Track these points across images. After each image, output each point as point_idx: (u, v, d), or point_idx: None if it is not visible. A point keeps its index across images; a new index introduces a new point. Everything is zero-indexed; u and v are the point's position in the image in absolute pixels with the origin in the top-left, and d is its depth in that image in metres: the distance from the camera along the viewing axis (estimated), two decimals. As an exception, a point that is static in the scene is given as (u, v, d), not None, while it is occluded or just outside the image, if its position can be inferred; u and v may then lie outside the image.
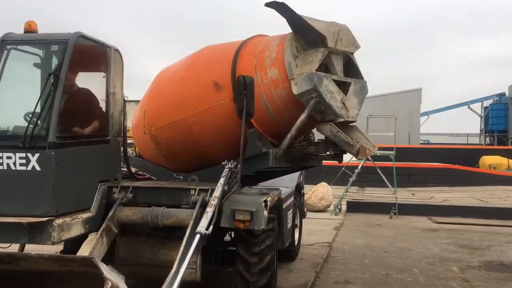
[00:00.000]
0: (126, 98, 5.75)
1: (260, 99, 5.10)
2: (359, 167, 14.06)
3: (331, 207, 14.04)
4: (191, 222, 4.74)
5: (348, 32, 5.51)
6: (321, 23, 5.20)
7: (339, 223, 12.18)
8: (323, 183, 15.04)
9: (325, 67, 5.23)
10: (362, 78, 5.58)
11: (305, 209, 9.14)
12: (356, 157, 5.51)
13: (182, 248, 4.44)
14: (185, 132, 5.84)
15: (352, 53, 5.50)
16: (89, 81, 5.54)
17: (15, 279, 3.35)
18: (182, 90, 5.71)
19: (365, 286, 6.46)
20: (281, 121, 5.29)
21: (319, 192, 14.50)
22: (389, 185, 14.22)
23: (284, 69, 5.04)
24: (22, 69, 5.00)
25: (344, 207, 14.31)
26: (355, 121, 5.44)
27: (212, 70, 5.53)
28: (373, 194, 17.30)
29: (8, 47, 4.88)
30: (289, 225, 6.76)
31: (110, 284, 2.99)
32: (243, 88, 4.68)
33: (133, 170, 6.29)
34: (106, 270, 3.09)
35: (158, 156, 6.53)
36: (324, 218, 12.86)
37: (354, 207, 14.29)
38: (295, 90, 4.95)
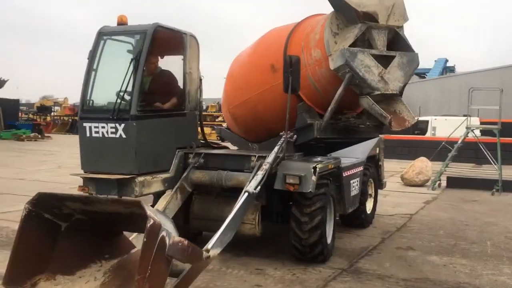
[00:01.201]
0: (201, 77, 6.62)
1: (308, 78, 5.63)
2: (459, 142, 13.64)
3: (429, 182, 13.88)
4: (247, 184, 5.50)
5: (401, 5, 5.75)
6: None
7: (432, 197, 12.11)
8: (422, 158, 14.86)
9: (368, 42, 5.55)
10: (412, 51, 5.78)
11: (384, 180, 9.37)
12: (390, 128, 5.78)
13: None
14: (253, 110, 6.68)
15: (399, 27, 5.72)
16: (171, 63, 6.52)
17: (98, 219, 4.41)
18: (248, 73, 6.53)
19: (425, 253, 6.69)
20: (328, 96, 5.77)
21: (417, 167, 14.39)
22: (492, 161, 13.60)
23: (324, 49, 5.50)
24: (115, 55, 6.09)
25: (444, 183, 14.05)
26: (396, 94, 5.70)
27: (270, 54, 6.21)
28: (477, 171, 16.57)
29: (105, 37, 6.01)
30: (353, 193, 7.20)
31: (152, 221, 3.86)
32: (289, 66, 5.27)
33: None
34: (151, 211, 3.96)
35: (237, 129, 7.53)
36: (418, 192, 12.83)
37: (455, 182, 13.94)
38: (331, 66, 5.40)
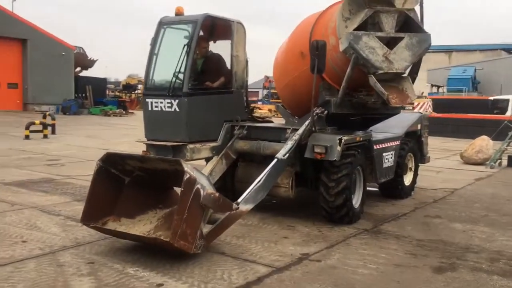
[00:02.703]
0: (247, 60, 7.52)
1: (328, 62, 6.34)
2: (520, 121, 13.48)
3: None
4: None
5: None
6: None
7: (487, 175, 12.24)
8: (483, 137, 14.81)
9: (378, 25, 6.16)
10: (424, 32, 6.29)
11: (428, 155, 9.77)
12: (389, 104, 6.35)
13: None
14: (292, 91, 7.66)
15: (409, 10, 6.24)
16: (222, 47, 7.49)
17: (153, 176, 5.50)
18: (285, 59, 7.49)
19: (450, 220, 7.21)
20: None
21: (477, 145, 14.41)
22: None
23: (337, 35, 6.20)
24: (173, 41, 7.13)
25: (505, 162, 13.98)
26: (400, 72, 6.25)
27: (300, 41, 7.04)
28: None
29: (165, 26, 7.08)
30: (387, 164, 7.81)
31: (188, 175, 4.84)
32: (315, 50, 6.03)
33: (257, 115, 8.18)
34: (188, 168, 4.94)
35: (286, 106, 8.50)
36: (475, 170, 12.95)
37: (517, 162, 13.83)
38: (340, 48, 6.12)
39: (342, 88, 6.41)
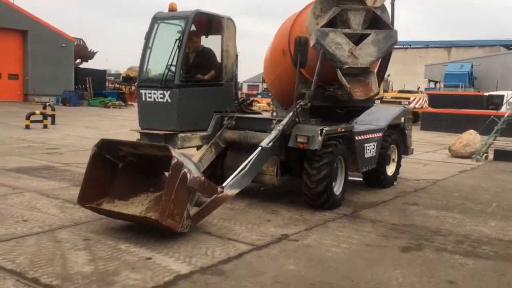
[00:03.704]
0: (237, 54, 7.94)
1: None
2: (505, 116, 13.91)
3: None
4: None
5: None
6: None
7: (471, 167, 12.65)
8: (471, 131, 15.23)
9: (347, 22, 6.61)
10: (390, 29, 6.74)
11: (411, 148, 10.20)
12: (351, 96, 6.83)
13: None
14: (279, 85, 8.22)
15: (376, 8, 6.68)
16: (213, 42, 7.90)
17: (145, 161, 5.93)
18: (271, 57, 8.04)
19: (426, 208, 7.65)
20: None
21: (464, 139, 14.84)
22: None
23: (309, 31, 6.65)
24: (166, 36, 7.53)
25: (491, 156, 14.40)
26: (365, 66, 6.72)
27: (281, 40, 7.56)
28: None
29: (158, 21, 7.48)
30: (368, 155, 8.24)
31: (175, 160, 5.26)
32: (298, 45, 6.45)
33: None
34: (176, 153, 5.35)
35: (275, 98, 8.94)
36: (461, 163, 13.35)
37: (502, 155, 14.22)
38: (311, 44, 6.54)
39: (314, 81, 6.88)
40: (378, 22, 6.81)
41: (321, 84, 7.16)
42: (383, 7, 6.96)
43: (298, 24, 7.29)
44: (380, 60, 7.40)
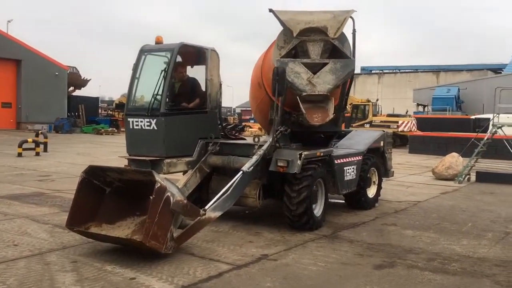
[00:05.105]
0: (221, 83, 8.34)
1: None
2: (485, 138, 14.36)
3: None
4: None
5: (343, 21, 7.25)
6: (329, 14, 7.08)
7: (453, 189, 12.99)
8: (453, 153, 15.64)
9: (307, 52, 7.08)
10: (348, 58, 7.22)
11: (392, 170, 10.56)
12: (307, 122, 7.30)
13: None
14: (259, 114, 8.74)
15: (334, 39, 7.16)
16: (199, 72, 8.30)
17: (131, 186, 6.22)
18: (252, 88, 8.72)
19: (404, 228, 7.96)
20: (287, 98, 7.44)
21: (447, 162, 15.23)
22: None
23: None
24: (153, 67, 7.92)
25: (474, 177, 14.78)
26: (323, 94, 7.19)
27: (256, 74, 8.17)
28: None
29: (145, 53, 7.89)
30: (348, 177, 8.59)
31: (159, 184, 5.58)
32: (276, 75, 6.86)
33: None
34: (159, 178, 5.67)
35: (260, 126, 9.43)
36: (444, 185, 13.69)
37: (484, 177, 14.61)
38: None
39: (280, 108, 7.30)
40: (338, 52, 7.27)
41: (288, 110, 7.58)
42: (342, 38, 7.43)
43: (268, 57, 7.77)
44: (341, 87, 7.83)
